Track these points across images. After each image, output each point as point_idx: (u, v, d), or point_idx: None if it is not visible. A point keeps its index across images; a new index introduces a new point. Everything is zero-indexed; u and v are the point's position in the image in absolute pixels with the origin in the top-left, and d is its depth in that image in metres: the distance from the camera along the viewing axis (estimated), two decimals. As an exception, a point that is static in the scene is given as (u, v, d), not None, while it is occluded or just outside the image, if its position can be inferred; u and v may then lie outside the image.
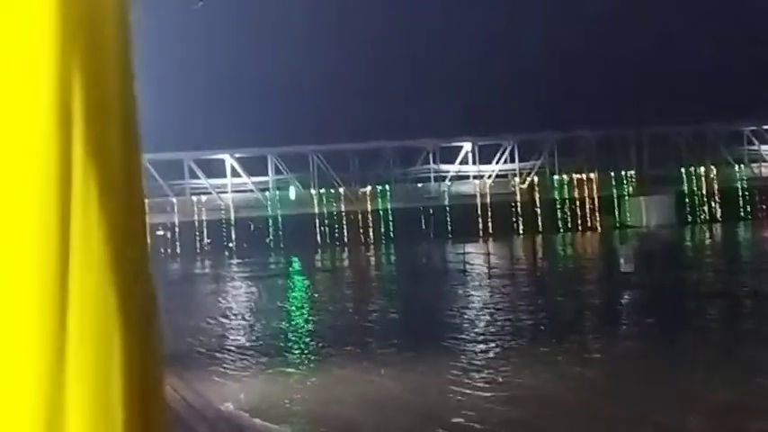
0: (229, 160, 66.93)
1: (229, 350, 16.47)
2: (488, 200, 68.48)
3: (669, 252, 39.78)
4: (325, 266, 45.88)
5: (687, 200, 68.67)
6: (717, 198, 68.82)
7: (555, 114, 65.10)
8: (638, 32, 71.66)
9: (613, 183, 68.79)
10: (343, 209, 67.55)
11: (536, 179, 68.85)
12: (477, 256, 37.75)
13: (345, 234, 67.16)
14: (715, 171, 69.28)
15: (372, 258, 51.77)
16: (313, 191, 67.70)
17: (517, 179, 69.01)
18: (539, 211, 68.21)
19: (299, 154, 66.84)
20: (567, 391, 11.46)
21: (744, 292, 21.75)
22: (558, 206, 68.53)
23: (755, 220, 65.15)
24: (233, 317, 22.59)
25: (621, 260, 27.27)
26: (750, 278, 25.43)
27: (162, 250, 60.39)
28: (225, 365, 14.73)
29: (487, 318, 19.49)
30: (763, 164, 69.59)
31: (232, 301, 26.95)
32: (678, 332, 16.11)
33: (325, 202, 67.79)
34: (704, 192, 69.11)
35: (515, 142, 68.40)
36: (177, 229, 64.69)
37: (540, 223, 67.37)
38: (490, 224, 67.58)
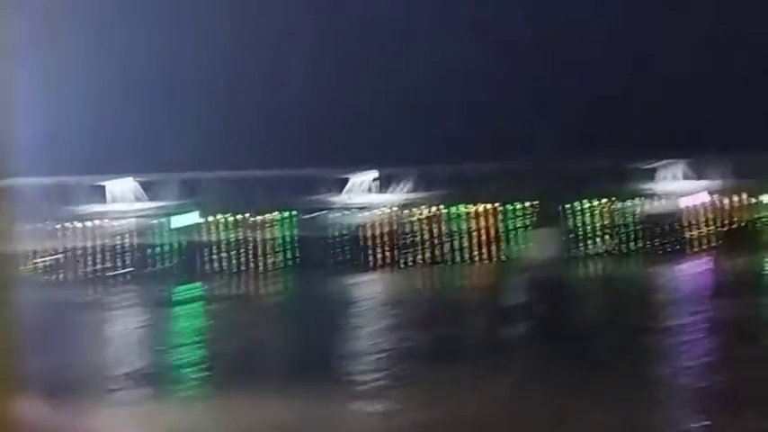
0: (126, 185, 65.83)
1: (116, 380, 16.18)
2: (388, 229, 68.89)
3: (557, 285, 40.54)
4: (221, 294, 45.49)
5: (582, 233, 70.27)
6: (612, 232, 70.61)
7: (454, 145, 65.93)
8: (543, 61, 73.26)
9: (510, 215, 69.92)
10: (242, 236, 67.09)
11: (435, 210, 69.57)
12: (373, 285, 37.90)
13: (243, 262, 66.66)
14: (610, 205, 71.12)
15: (269, 287, 51.46)
16: (213, 217, 67.08)
17: (420, 209, 69.63)
18: (437, 241, 68.94)
19: (199, 180, 66.08)
20: (459, 418, 11.63)
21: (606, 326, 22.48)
22: (455, 237, 69.34)
23: (647, 254, 67.07)
24: (119, 346, 22.18)
25: (510, 291, 27.73)
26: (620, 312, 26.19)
27: (52, 277, 58.94)
28: (111, 395, 14.47)
29: (379, 347, 19.59)
30: (656, 200, 71.45)
31: (120, 330, 26.45)
32: (555, 363, 16.49)
33: (224, 229, 67.24)
34: (599, 225, 70.85)
35: (417, 172, 68.94)
36: (69, 255, 63.25)
37: (437, 254, 68.18)
38: (389, 254, 68.02)
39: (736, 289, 35.66)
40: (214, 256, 66.52)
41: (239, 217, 67.32)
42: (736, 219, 71.14)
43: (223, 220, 67.36)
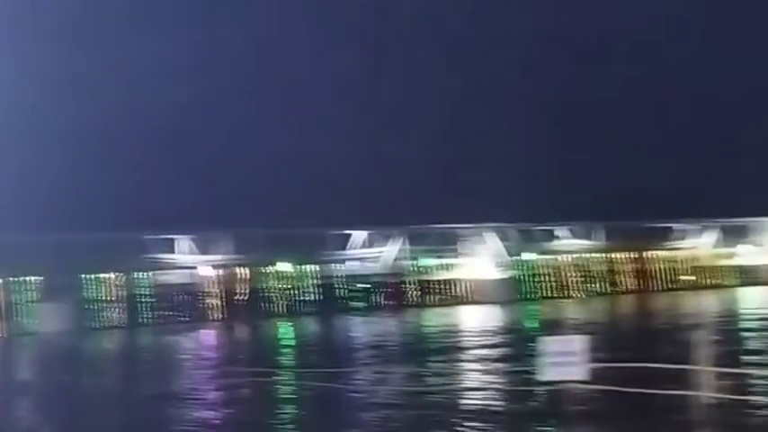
0: None
1: None
2: None
3: (67, 358, 39.72)
4: None
5: (96, 305, 69.69)
6: (127, 303, 70.67)
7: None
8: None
9: (17, 288, 67.61)
10: None
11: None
12: None
13: None
14: (125, 277, 71.24)
15: None
16: None
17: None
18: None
19: None
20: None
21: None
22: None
23: (162, 324, 67.78)
24: None
25: (17, 366, 26.97)
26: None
27: None
28: None
29: None
30: (172, 271, 72.65)
31: None
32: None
33: None
34: (115, 297, 70.70)
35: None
36: None
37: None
38: None
39: (241, 356, 37.60)
40: None
41: None
42: (244, 289, 74.96)
43: None
